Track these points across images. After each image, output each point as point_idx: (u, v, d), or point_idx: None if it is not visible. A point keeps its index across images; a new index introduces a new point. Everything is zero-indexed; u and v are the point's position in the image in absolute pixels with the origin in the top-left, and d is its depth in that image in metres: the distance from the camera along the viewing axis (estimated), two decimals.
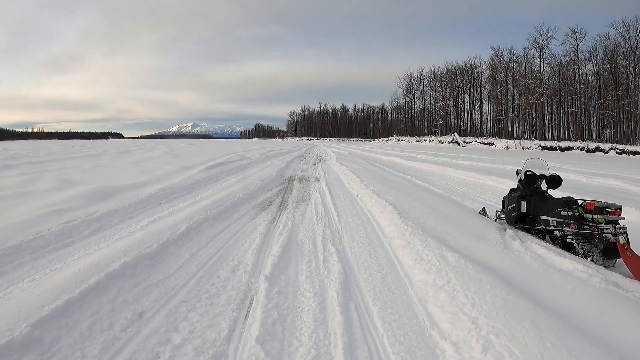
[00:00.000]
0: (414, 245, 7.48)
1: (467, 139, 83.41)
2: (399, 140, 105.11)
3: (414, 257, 6.95)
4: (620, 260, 6.94)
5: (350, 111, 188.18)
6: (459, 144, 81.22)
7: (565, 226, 7.75)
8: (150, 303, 5.46)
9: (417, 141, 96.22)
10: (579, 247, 7.44)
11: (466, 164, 28.93)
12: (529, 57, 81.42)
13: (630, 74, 65.28)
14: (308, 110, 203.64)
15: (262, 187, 16.19)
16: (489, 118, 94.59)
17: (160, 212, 11.22)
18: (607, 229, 7.11)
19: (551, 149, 62.21)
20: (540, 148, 63.50)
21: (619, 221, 7.23)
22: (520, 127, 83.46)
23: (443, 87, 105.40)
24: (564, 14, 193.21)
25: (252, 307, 5.40)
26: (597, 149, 56.95)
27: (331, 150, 57.25)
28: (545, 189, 9.32)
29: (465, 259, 6.49)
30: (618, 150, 54.02)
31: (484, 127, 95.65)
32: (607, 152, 54.83)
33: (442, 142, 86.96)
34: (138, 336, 4.63)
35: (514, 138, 76.86)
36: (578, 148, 59.27)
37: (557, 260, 6.79)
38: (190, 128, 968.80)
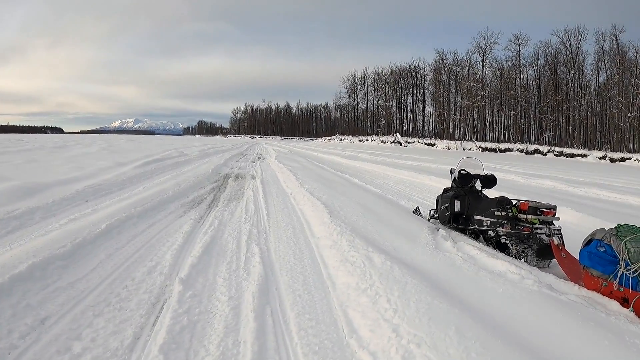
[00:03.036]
0: (340, 245, 7.13)
1: (409, 140, 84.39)
2: (341, 140, 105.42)
3: (339, 258, 6.59)
4: (554, 261, 6.86)
5: (294, 110, 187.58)
6: (400, 144, 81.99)
7: (499, 226, 7.63)
8: (56, 308, 4.96)
9: (360, 141, 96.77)
10: (513, 247, 7.35)
11: (407, 164, 29.19)
12: (472, 60, 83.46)
13: (569, 80, 68.58)
14: (252, 107, 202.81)
15: (195, 184, 15.61)
16: (431, 119, 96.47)
17: (85, 209, 10.50)
18: (541, 229, 7.03)
19: (491, 150, 64.34)
20: (480, 149, 65.21)
21: (554, 222, 7.16)
22: (462, 129, 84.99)
23: (386, 88, 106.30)
24: (508, 21, 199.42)
25: (162, 312, 4.97)
26: (536, 151, 59.38)
27: (272, 148, 56.65)
28: (479, 188, 9.20)
29: (392, 260, 6.17)
30: (556, 153, 56.62)
31: (426, 128, 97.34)
32: (545, 155, 57.18)
33: (384, 142, 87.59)
34: (37, 344, 4.18)
35: (455, 139, 78.07)
36: (517, 150, 61.41)
37: (489, 261, 6.60)
38: (132, 124, 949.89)
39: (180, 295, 5.32)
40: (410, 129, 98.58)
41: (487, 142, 72.70)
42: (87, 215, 9.61)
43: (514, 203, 7.55)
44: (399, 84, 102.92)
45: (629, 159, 48.26)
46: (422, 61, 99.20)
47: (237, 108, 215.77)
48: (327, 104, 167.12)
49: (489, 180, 9.14)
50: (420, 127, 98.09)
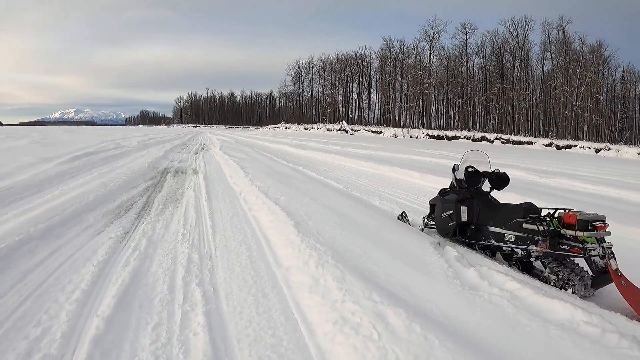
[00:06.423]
0: (326, 288, 4.68)
1: (355, 127, 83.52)
2: (286, 128, 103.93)
3: (330, 315, 4.12)
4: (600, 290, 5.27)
5: (238, 98, 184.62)
6: (347, 132, 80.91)
7: (531, 244, 5.64)
8: None
9: (305, 129, 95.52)
10: (551, 273, 5.44)
11: (358, 152, 27.99)
12: (419, 49, 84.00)
13: (515, 69, 70.96)
14: (195, 96, 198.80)
15: (126, 183, 13.10)
16: (377, 107, 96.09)
17: None
18: (593, 249, 5.04)
19: (438, 137, 65.32)
20: (428, 137, 66.54)
21: (604, 238, 5.14)
22: (408, 117, 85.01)
23: (332, 76, 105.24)
24: (456, 10, 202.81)
25: None
26: (483, 138, 60.29)
27: (216, 137, 54.35)
28: (487, 189, 7.10)
29: (418, 320, 3.81)
30: (503, 140, 58.10)
31: (372, 115, 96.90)
32: (492, 142, 58.16)
33: (330, 130, 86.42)
34: None
35: (401, 127, 77.83)
36: (464, 137, 62.34)
37: (541, 302, 4.58)
38: (73, 114, 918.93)
39: None
40: (356, 117, 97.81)
41: (434, 129, 72.92)
42: None
43: (551, 213, 5.61)
44: (345, 71, 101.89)
45: (575, 146, 49.40)
46: (368, 49, 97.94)
47: (181, 97, 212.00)
48: (271, 92, 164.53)
49: (501, 180, 7.07)
50: (366, 115, 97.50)
